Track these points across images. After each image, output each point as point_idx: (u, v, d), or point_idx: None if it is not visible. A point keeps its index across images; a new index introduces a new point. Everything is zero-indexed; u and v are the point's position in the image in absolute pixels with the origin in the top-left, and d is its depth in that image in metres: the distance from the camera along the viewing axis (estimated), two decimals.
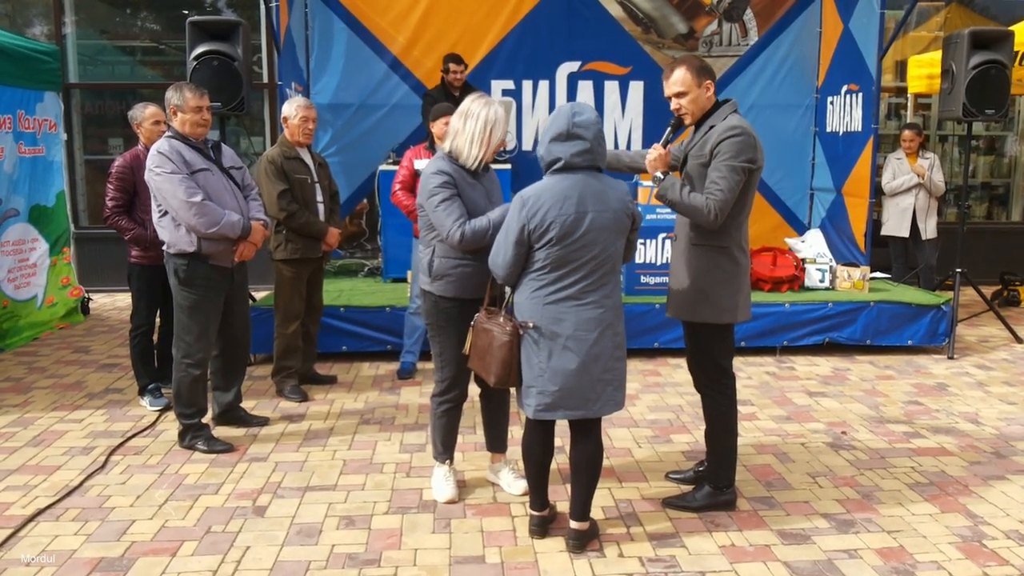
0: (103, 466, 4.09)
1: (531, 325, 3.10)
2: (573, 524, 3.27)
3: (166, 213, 4.10)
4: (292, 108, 5.03)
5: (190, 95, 4.14)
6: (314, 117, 5.08)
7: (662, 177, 3.46)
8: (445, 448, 3.76)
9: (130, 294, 5.03)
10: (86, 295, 7.71)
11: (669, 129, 3.49)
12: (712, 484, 3.63)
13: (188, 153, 4.11)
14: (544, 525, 3.38)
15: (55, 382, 5.55)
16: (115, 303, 8.27)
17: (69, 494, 3.77)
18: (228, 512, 3.60)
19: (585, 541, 3.27)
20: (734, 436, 3.63)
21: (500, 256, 3.13)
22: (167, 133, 4.19)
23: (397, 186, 5.46)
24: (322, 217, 5.12)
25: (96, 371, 5.82)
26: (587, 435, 3.22)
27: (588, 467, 3.23)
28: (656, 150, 3.49)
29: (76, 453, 4.27)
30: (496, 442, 3.88)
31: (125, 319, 7.04)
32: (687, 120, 3.47)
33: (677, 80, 3.41)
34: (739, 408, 4.95)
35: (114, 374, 5.74)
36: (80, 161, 9.01)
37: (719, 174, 3.29)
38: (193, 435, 4.31)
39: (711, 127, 3.38)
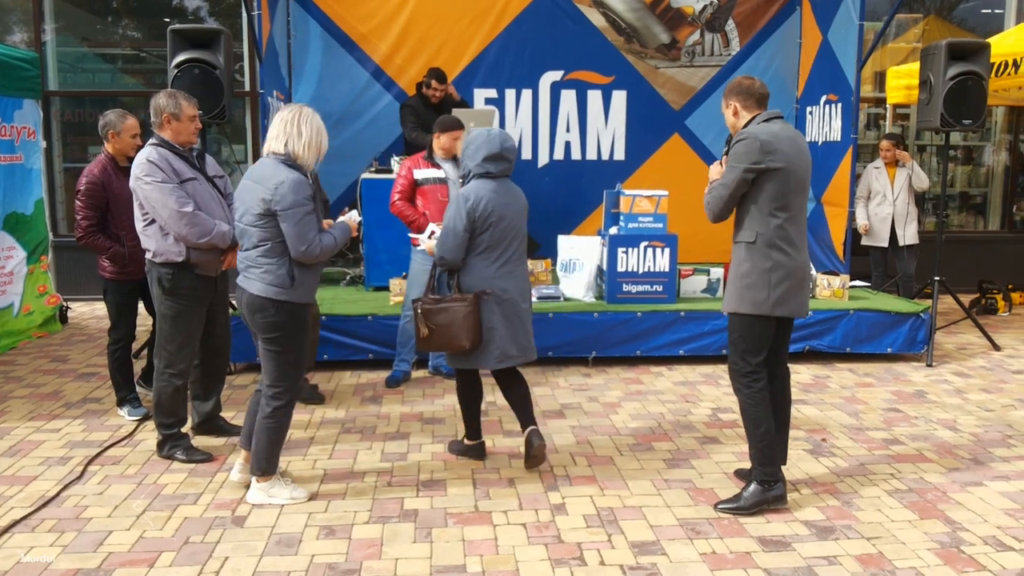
0: (80, 476, 4.05)
1: (488, 292, 3.91)
2: (533, 427, 4.05)
3: (152, 222, 4.04)
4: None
5: (186, 104, 4.10)
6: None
7: None
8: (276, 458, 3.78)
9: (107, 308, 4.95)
10: (64, 304, 7.64)
11: (726, 145, 3.87)
12: (757, 480, 3.68)
13: (176, 162, 4.06)
14: (483, 450, 4.31)
15: (32, 391, 5.49)
16: (94, 312, 8.19)
17: (45, 504, 3.73)
18: (207, 522, 3.57)
19: (541, 437, 4.06)
20: (761, 432, 3.65)
21: (450, 243, 3.88)
22: (152, 141, 4.11)
23: (396, 196, 5.43)
24: None
25: (74, 380, 5.77)
26: (516, 376, 4.12)
27: (526, 395, 4.12)
28: (715, 163, 3.86)
29: (53, 463, 4.22)
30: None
31: (103, 328, 6.98)
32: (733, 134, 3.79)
33: None
34: (719, 416, 5.01)
35: (92, 383, 5.68)
36: (59, 169, 8.92)
37: (725, 174, 3.65)
38: (172, 445, 4.26)
39: None
